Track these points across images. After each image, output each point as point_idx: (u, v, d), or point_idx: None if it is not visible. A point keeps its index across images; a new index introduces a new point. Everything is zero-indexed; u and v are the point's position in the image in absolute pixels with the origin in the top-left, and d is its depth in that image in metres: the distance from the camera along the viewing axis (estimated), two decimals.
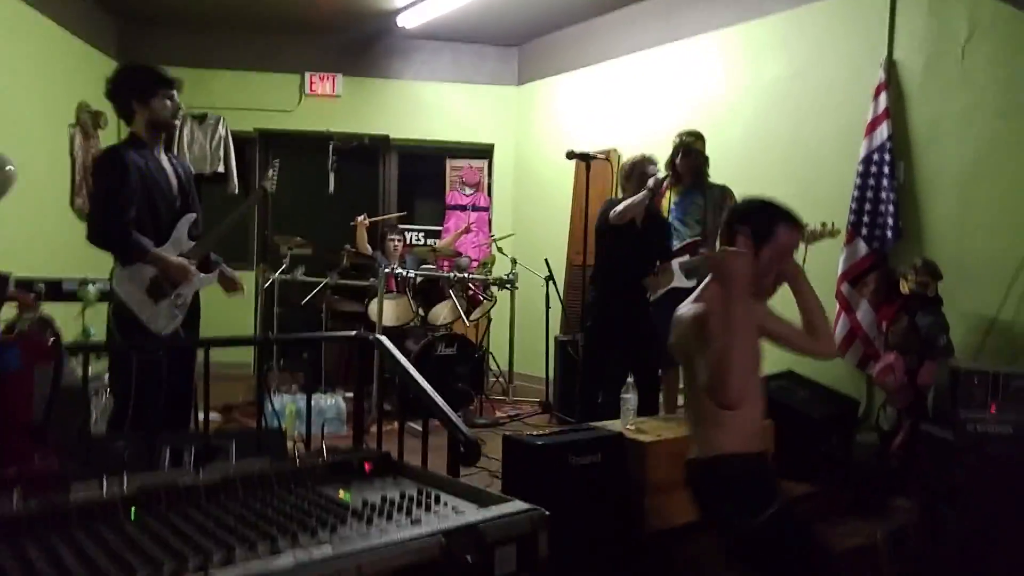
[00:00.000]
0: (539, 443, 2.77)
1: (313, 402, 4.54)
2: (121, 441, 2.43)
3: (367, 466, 1.96)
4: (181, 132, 6.78)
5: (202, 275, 3.16)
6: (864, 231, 4.26)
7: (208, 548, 1.45)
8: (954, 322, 3.84)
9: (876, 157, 4.24)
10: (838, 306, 4.31)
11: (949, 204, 4.13)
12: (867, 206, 4.26)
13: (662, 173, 3.96)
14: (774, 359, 4.52)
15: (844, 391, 4.23)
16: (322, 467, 1.96)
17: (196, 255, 3.12)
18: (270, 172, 3.61)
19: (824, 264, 4.34)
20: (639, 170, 3.97)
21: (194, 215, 3.18)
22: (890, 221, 4.18)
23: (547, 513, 1.59)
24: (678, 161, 4.21)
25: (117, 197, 2.86)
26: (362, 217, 6.16)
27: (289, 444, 2.88)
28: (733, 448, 2.11)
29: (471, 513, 1.62)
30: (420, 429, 2.50)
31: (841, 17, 4.62)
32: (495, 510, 1.61)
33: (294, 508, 1.71)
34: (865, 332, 4.21)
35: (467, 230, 6.71)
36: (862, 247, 4.26)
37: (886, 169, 4.20)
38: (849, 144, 4.41)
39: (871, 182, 4.25)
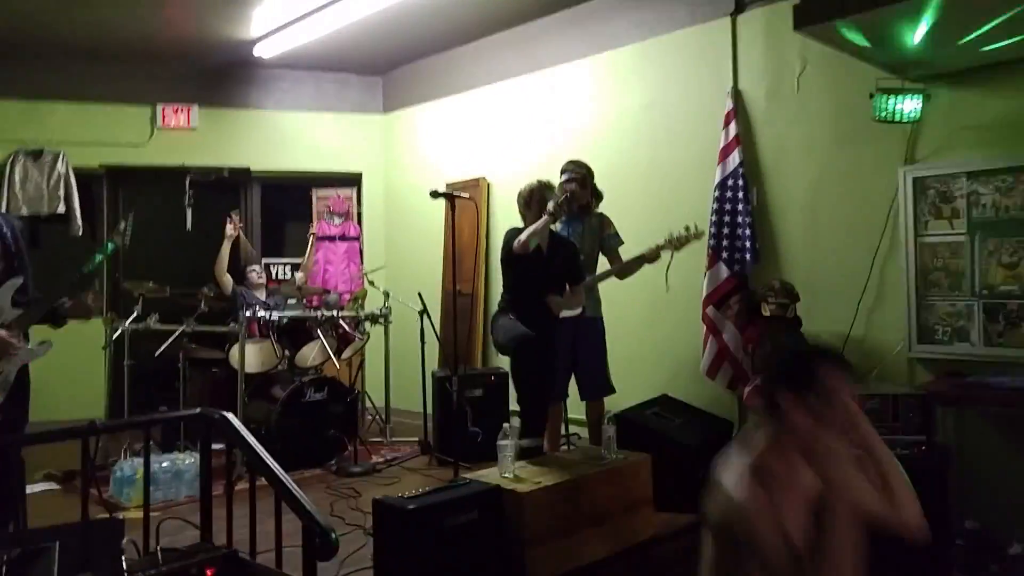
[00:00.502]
0: (410, 506, 2.62)
1: (169, 463, 4.24)
2: None
3: (209, 572, 1.76)
4: (12, 170, 6.19)
5: (29, 347, 2.83)
6: (724, 254, 4.39)
7: None
8: (812, 340, 4.00)
9: (731, 182, 4.39)
10: (705, 328, 4.41)
11: (799, 226, 4.34)
12: (725, 229, 4.39)
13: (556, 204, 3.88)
14: (644, 383, 4.66)
15: (717, 413, 4.33)
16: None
17: (21, 325, 2.81)
18: (122, 225, 3.29)
19: (688, 287, 4.45)
20: (538, 196, 3.94)
21: (19, 280, 2.85)
22: (748, 244, 4.33)
23: None
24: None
25: None
26: (234, 217, 5.88)
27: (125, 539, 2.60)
28: None
29: None
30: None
31: (688, 49, 4.80)
32: None
33: None
34: (732, 354, 4.32)
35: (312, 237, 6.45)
36: (723, 270, 4.39)
37: (740, 194, 4.36)
38: (705, 169, 4.55)
39: (727, 207, 4.39)
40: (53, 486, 4.42)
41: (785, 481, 1.68)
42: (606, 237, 4.29)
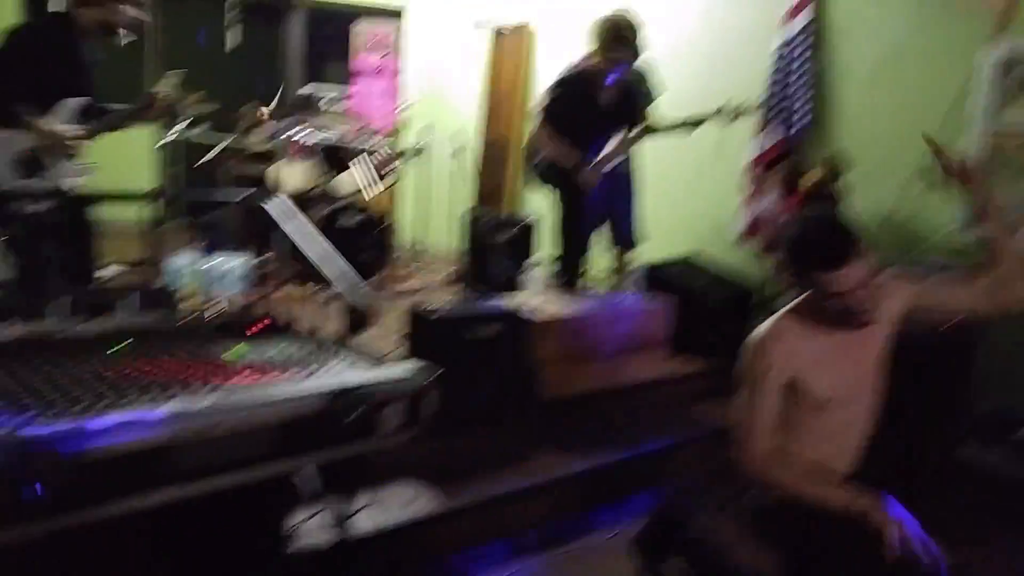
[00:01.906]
0: (436, 316, 2.72)
1: (216, 264, 4.38)
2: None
3: (267, 320, 1.88)
4: None
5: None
6: (779, 118, 4.27)
7: (82, 398, 1.37)
8: (853, 216, 3.94)
9: (795, 44, 4.21)
10: (746, 193, 4.36)
11: (860, 98, 4.17)
12: (784, 92, 4.25)
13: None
14: (675, 243, 4.66)
15: (741, 279, 4.35)
16: (222, 320, 1.90)
17: (89, 135, 2.92)
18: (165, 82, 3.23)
19: (733, 153, 4.37)
20: (612, 34, 3.61)
21: (88, 99, 2.95)
22: (806, 107, 4.21)
23: (441, 370, 1.56)
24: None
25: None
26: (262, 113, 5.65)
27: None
28: None
29: (364, 371, 1.57)
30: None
31: None
32: (388, 369, 1.57)
33: (184, 363, 1.63)
34: (770, 220, 4.29)
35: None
36: (775, 134, 4.28)
37: (804, 57, 4.18)
38: (767, 30, 4.34)
39: (789, 68, 4.23)
40: (123, 269, 4.58)
41: (807, 335, 1.85)
42: (644, 93, 4.16)
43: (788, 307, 1.93)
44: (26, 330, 1.62)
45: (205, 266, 4.00)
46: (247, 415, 1.34)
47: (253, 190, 2.56)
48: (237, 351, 1.73)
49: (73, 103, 2.87)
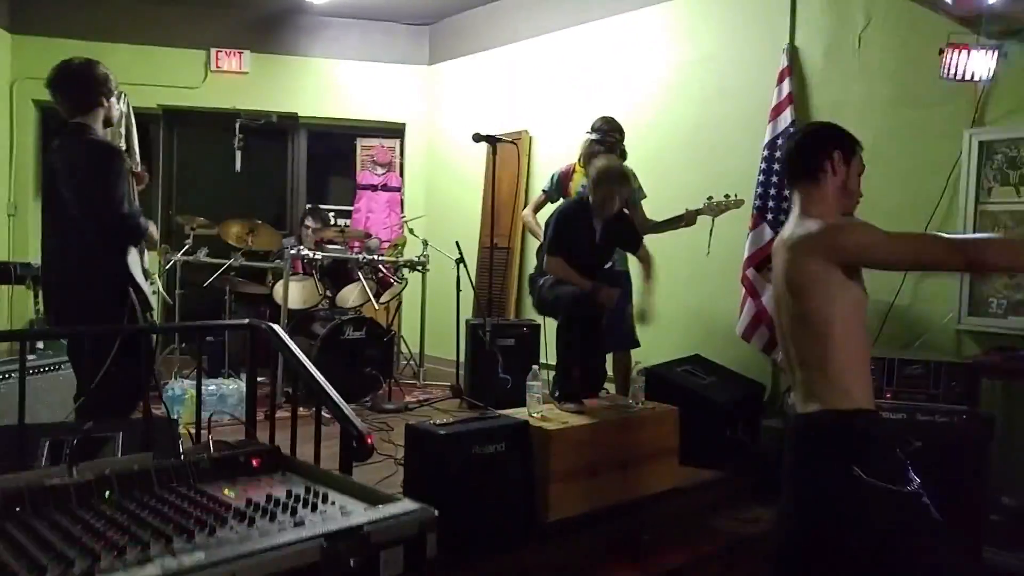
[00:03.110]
0: (442, 432, 2.69)
1: (215, 387, 4.41)
2: None
3: (255, 461, 1.85)
4: None
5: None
6: (769, 216, 4.33)
7: (70, 556, 1.34)
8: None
9: (781, 142, 4.30)
10: (744, 291, 4.39)
11: None
12: (772, 190, 4.33)
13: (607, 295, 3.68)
14: (678, 343, 4.66)
15: (750, 376, 4.32)
16: (207, 463, 1.86)
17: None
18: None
19: (730, 248, 4.42)
20: (606, 187, 3.63)
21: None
22: None
23: (436, 513, 1.53)
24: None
25: (124, 184, 3.03)
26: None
27: (183, 432, 2.76)
28: (869, 404, 1.92)
29: (357, 514, 1.54)
30: (326, 416, 2.38)
31: (744, 3, 4.70)
32: (382, 510, 1.54)
33: (172, 508, 1.61)
34: (770, 318, 4.29)
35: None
36: (767, 232, 4.33)
37: None
38: (754, 128, 4.48)
39: (776, 167, 4.33)
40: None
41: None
42: (632, 191, 4.26)
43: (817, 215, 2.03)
44: (7, 483, 1.59)
45: (205, 390, 4.01)
46: (245, 566, 1.31)
47: (247, 321, 2.57)
48: (232, 491, 1.72)
49: None
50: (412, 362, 5.91)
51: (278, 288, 5.09)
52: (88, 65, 3.14)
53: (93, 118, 3.08)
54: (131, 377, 2.74)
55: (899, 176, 4.04)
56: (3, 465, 2.05)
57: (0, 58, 6.26)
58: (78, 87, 3.07)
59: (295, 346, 2.28)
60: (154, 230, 3.16)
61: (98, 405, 2.68)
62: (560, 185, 4.45)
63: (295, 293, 5.14)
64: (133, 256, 3.02)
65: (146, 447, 2.06)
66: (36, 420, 2.90)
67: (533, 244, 5.43)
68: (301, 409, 2.62)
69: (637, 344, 4.31)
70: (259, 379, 3.61)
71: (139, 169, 3.43)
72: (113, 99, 3.17)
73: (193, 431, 2.59)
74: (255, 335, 2.40)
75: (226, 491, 1.75)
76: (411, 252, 5.84)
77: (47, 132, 6.57)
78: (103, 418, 2.39)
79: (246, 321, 2.59)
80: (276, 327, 2.34)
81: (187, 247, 5.20)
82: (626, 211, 3.99)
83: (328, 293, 5.25)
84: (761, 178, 4.35)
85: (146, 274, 3.14)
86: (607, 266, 4.08)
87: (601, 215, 3.73)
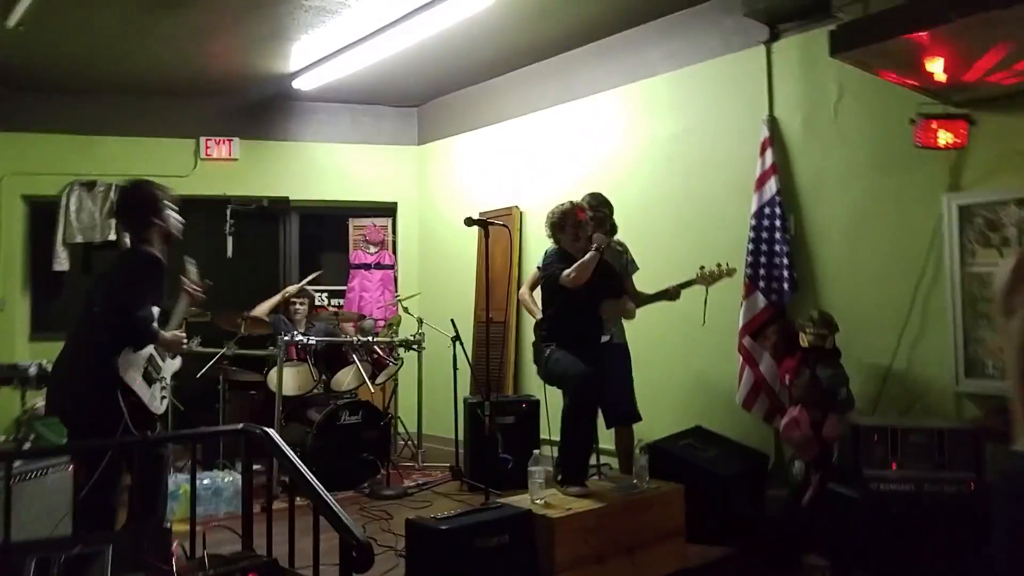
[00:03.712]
0: (443, 527, 2.62)
1: (209, 481, 4.31)
2: None
3: None
4: (68, 201, 6.43)
5: (170, 359, 3.31)
6: (761, 283, 4.35)
7: None
8: (852, 372, 3.93)
9: (767, 211, 4.36)
10: (741, 359, 4.36)
11: (838, 256, 4.29)
12: (762, 259, 4.36)
13: (599, 238, 3.73)
14: (678, 414, 4.60)
15: (752, 446, 4.26)
16: None
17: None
18: (189, 268, 3.62)
19: (725, 316, 4.41)
20: (572, 219, 3.84)
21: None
22: (786, 273, 4.29)
23: None
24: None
25: (150, 296, 3.16)
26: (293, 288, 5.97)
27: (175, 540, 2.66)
28: None
29: None
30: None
31: (722, 78, 4.81)
32: None
33: None
34: (769, 385, 4.26)
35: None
36: (760, 300, 4.34)
37: (778, 222, 4.32)
38: (741, 198, 4.53)
39: (764, 235, 4.36)
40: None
41: None
42: (623, 264, 4.29)
43: None
44: None
45: (199, 484, 3.94)
46: None
47: (240, 426, 2.52)
48: None
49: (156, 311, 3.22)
50: (410, 443, 5.82)
51: (272, 375, 5.04)
52: (135, 187, 3.31)
53: (148, 236, 3.22)
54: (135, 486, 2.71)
55: (884, 240, 4.10)
56: None
57: None
58: (128, 210, 3.28)
59: (290, 452, 2.23)
60: (172, 336, 3.22)
61: (96, 511, 2.64)
62: None
63: (289, 380, 5.08)
64: (128, 358, 3.01)
65: (137, 566, 1.98)
66: (23, 530, 2.84)
67: (529, 320, 5.43)
68: (299, 500, 2.55)
69: (639, 418, 4.25)
70: (256, 467, 3.56)
71: (192, 288, 3.50)
72: (168, 213, 3.26)
73: (187, 538, 2.50)
74: (249, 440, 2.35)
75: None
76: (406, 331, 5.82)
77: (36, 227, 6.61)
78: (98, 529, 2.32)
79: (240, 426, 2.54)
80: (271, 432, 2.30)
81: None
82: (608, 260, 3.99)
83: (323, 378, 5.19)
84: (751, 247, 4.38)
85: (152, 377, 3.13)
86: (605, 340, 4.05)
87: (578, 246, 3.76)
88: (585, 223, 3.84)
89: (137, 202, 3.24)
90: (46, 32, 5.12)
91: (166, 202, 3.27)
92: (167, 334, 3.20)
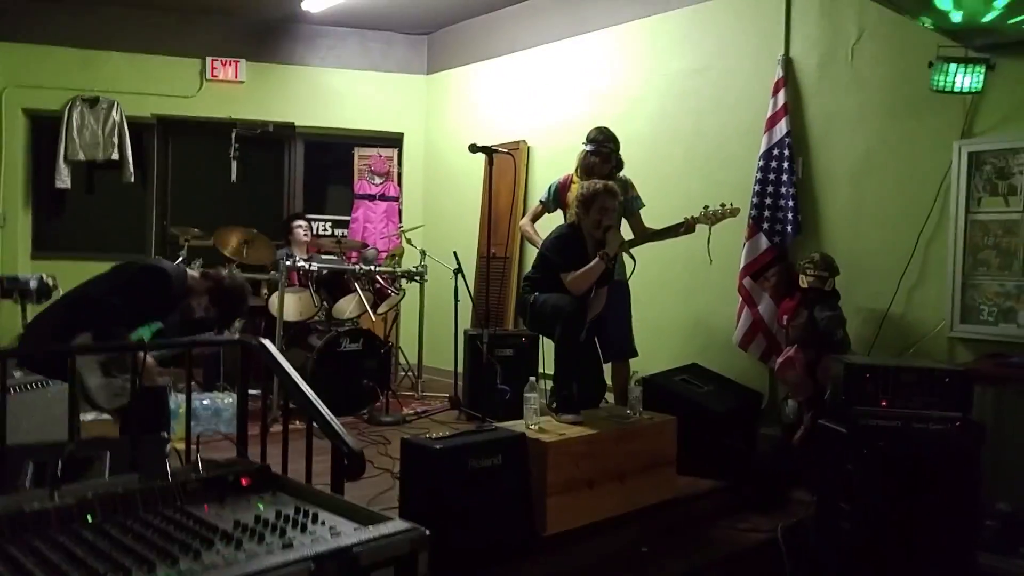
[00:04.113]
0: (437, 446, 2.67)
1: (209, 401, 4.39)
2: None
3: (244, 481, 1.83)
4: (70, 116, 6.36)
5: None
6: (765, 225, 4.33)
7: None
8: (850, 315, 3.96)
9: (776, 152, 4.32)
10: (740, 299, 4.38)
11: (844, 199, 4.26)
12: (768, 200, 4.33)
13: (613, 242, 3.68)
14: (676, 352, 4.64)
15: (747, 384, 4.31)
16: (195, 483, 1.83)
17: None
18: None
19: (727, 257, 4.41)
20: (599, 203, 3.69)
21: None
22: (790, 216, 4.27)
23: (427, 533, 1.51)
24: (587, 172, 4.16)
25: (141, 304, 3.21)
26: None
27: (173, 448, 2.73)
28: None
29: (347, 535, 1.52)
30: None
31: (740, 14, 4.70)
32: (372, 531, 1.51)
33: (157, 532, 1.57)
34: (767, 326, 4.29)
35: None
36: (763, 241, 4.33)
37: (786, 164, 4.29)
38: (750, 138, 4.49)
39: (771, 176, 4.33)
40: (105, 416, 4.58)
41: None
42: (629, 200, 4.25)
43: None
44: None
45: (196, 405, 4.00)
46: None
47: (237, 337, 2.56)
48: (219, 512, 1.70)
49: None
50: (410, 373, 5.89)
51: (274, 300, 5.07)
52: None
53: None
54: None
55: (891, 185, 4.07)
56: None
57: None
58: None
59: (286, 363, 2.26)
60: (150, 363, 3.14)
61: None
62: (557, 196, 4.44)
63: (291, 305, 5.12)
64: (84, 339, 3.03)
65: (133, 467, 2.03)
66: (21, 439, 2.89)
67: (531, 253, 5.42)
68: (296, 423, 2.59)
69: (635, 354, 4.29)
70: (254, 392, 3.62)
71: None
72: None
73: (185, 453, 2.56)
74: (247, 352, 2.38)
75: (214, 512, 1.72)
76: (409, 262, 5.83)
77: (37, 141, 6.56)
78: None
79: (237, 337, 2.57)
80: (268, 343, 2.32)
81: (181, 258, 5.18)
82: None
83: (325, 304, 5.23)
84: (757, 188, 4.35)
85: (111, 371, 3.12)
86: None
87: (597, 234, 3.71)
88: (612, 212, 3.73)
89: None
90: None
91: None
92: (150, 359, 3.15)
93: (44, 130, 6.51)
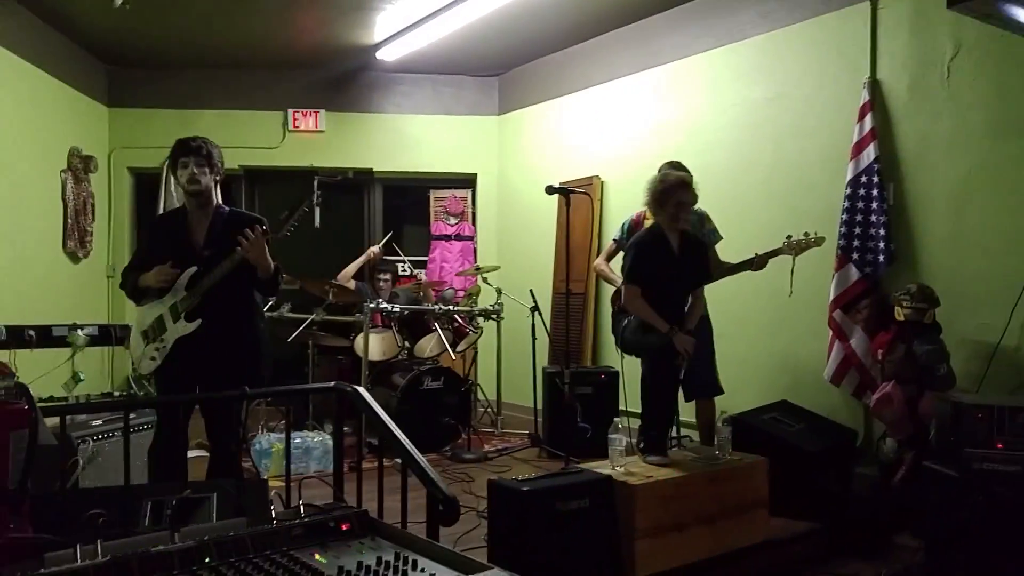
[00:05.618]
0: (525, 489, 2.65)
1: (300, 440, 4.50)
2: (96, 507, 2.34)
3: (344, 526, 1.86)
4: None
5: (184, 322, 3.18)
6: (855, 255, 4.18)
7: None
8: (954, 349, 3.74)
9: (864, 179, 4.18)
10: (831, 333, 4.22)
11: (942, 226, 4.05)
12: (857, 229, 4.18)
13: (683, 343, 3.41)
14: (763, 389, 4.50)
15: (840, 421, 4.14)
16: (299, 528, 1.87)
17: (186, 304, 3.18)
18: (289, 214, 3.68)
19: (815, 290, 4.28)
20: (676, 197, 3.46)
21: (194, 268, 3.21)
22: (881, 245, 4.11)
23: None
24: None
25: (137, 254, 3.46)
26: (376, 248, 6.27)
27: (272, 491, 2.80)
28: None
29: None
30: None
31: (821, 39, 4.59)
32: None
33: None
34: (860, 360, 4.12)
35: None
36: (854, 272, 4.18)
37: (875, 191, 4.14)
38: (833, 165, 4.36)
39: (860, 204, 4.18)
40: (204, 453, 4.74)
41: None
42: (706, 233, 4.15)
43: None
44: (117, 550, 1.63)
45: (290, 444, 4.09)
46: None
47: (332, 384, 2.61)
48: (323, 557, 1.72)
49: (184, 276, 3.23)
50: (490, 410, 5.90)
51: (358, 341, 5.18)
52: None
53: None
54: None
55: (996, 209, 3.84)
56: (111, 525, 2.13)
57: (99, 130, 6.68)
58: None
59: (380, 409, 2.29)
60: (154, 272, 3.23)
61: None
62: (630, 232, 4.39)
63: (375, 345, 5.22)
64: (142, 312, 3.31)
65: (239, 511, 2.09)
66: (138, 476, 3.06)
67: (608, 290, 5.39)
68: (386, 461, 2.62)
69: (721, 391, 4.17)
70: (344, 428, 3.66)
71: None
72: (178, 168, 3.42)
73: (283, 490, 2.62)
74: (341, 398, 2.43)
75: (317, 557, 1.75)
76: (485, 301, 5.87)
77: (140, 197, 6.96)
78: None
79: (331, 384, 2.63)
80: (361, 390, 2.37)
81: (270, 303, 5.35)
82: (701, 239, 3.83)
83: (406, 344, 5.31)
84: (845, 217, 4.21)
85: (150, 337, 3.25)
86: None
87: (676, 227, 3.52)
88: (689, 207, 3.54)
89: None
90: (148, 9, 5.35)
91: (179, 158, 3.39)
92: (149, 273, 3.23)
93: (146, 186, 6.93)
